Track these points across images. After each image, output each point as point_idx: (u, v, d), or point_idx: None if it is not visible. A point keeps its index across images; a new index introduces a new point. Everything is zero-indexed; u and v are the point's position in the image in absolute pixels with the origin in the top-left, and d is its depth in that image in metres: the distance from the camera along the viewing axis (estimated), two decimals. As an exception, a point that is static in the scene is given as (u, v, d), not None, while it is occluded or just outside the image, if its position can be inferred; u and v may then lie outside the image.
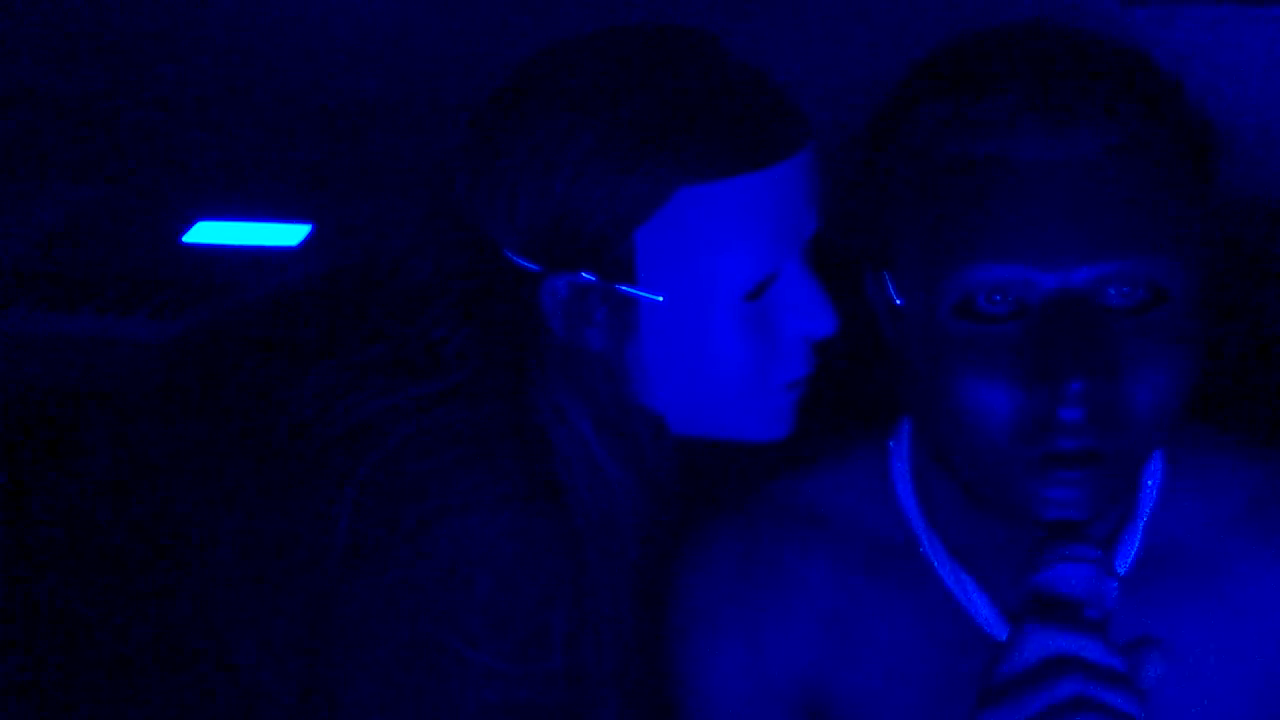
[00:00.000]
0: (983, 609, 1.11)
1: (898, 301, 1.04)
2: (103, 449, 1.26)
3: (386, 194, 2.49)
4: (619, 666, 1.21)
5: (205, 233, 2.61)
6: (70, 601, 1.27)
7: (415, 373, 1.17)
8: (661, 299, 1.17)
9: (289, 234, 2.57)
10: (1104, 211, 0.97)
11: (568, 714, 1.19)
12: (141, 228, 2.64)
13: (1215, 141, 1.03)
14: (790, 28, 2.44)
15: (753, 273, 1.17)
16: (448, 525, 1.12)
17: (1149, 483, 1.12)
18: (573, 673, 1.18)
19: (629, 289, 1.17)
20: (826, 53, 2.42)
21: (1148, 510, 1.12)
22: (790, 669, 1.17)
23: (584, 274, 1.17)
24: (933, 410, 1.03)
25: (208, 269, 2.52)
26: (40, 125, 2.84)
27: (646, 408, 1.22)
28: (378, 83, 2.69)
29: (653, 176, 1.14)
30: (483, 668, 1.13)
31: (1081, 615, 0.96)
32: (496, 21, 2.60)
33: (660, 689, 1.21)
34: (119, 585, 1.23)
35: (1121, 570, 1.10)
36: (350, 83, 2.70)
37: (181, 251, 2.58)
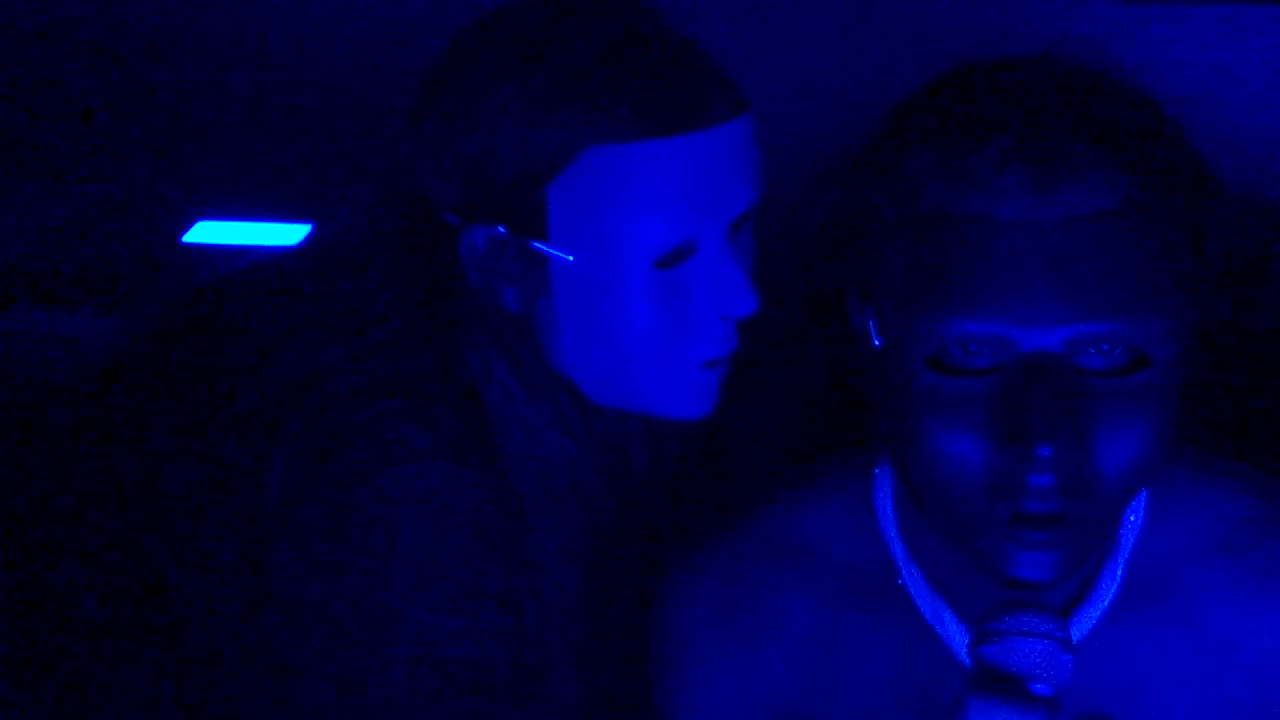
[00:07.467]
0: (959, 641, 1.10)
1: (876, 341, 1.04)
2: (74, 429, 1.27)
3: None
4: (569, 631, 1.21)
5: (205, 233, 2.61)
6: (47, 586, 1.28)
7: (346, 330, 1.18)
8: (572, 258, 1.17)
9: (289, 234, 2.58)
10: (1089, 274, 0.93)
11: (517, 675, 1.19)
12: (141, 228, 2.65)
13: (1215, 195, 1.00)
14: (792, 32, 2.45)
15: (663, 240, 1.17)
16: (377, 476, 1.12)
17: (1132, 518, 1.11)
18: (518, 632, 1.18)
19: (541, 245, 1.17)
20: (826, 55, 2.42)
21: (1130, 545, 1.11)
22: (773, 701, 1.16)
23: (499, 228, 1.17)
24: (905, 454, 1.01)
25: (208, 269, 2.53)
26: (40, 125, 2.85)
27: (561, 374, 1.22)
28: (378, 83, 2.69)
29: (562, 132, 1.15)
30: (415, 621, 1.13)
31: (1028, 691, 0.94)
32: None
33: (616, 658, 1.21)
34: (98, 572, 1.24)
35: (1103, 603, 1.09)
36: (350, 83, 2.70)
37: (181, 251, 2.58)
